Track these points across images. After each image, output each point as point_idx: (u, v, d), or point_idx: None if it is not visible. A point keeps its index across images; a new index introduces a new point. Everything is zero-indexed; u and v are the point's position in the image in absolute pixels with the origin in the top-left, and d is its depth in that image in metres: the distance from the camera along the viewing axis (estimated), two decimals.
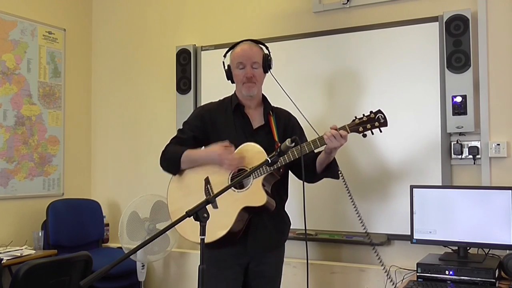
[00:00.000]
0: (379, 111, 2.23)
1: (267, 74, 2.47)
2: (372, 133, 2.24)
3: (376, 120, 2.22)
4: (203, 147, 2.48)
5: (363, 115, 2.24)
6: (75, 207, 3.97)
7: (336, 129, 2.20)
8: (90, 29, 4.47)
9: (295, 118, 2.57)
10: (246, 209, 2.26)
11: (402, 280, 2.82)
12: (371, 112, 2.24)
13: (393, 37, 3.14)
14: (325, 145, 2.24)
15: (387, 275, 2.96)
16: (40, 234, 3.64)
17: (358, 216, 3.05)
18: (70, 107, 4.28)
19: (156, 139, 3.91)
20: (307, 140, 2.35)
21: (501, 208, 2.56)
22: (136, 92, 4.20)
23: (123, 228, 3.49)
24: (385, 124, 2.22)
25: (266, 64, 2.43)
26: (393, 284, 2.88)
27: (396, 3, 3.21)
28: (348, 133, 2.22)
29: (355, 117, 2.26)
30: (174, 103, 3.84)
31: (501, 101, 2.91)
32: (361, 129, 2.22)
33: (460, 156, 2.95)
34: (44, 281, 2.69)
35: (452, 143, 2.96)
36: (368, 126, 2.22)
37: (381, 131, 2.24)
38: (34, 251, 3.49)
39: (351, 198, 3.02)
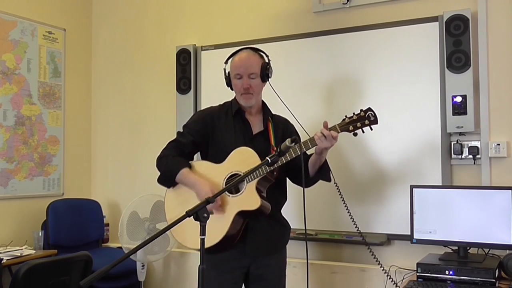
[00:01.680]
0: (369, 109, 2.21)
1: (266, 82, 2.45)
2: (363, 132, 2.22)
3: (366, 118, 2.19)
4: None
5: (353, 113, 2.22)
6: (75, 207, 3.97)
7: (326, 129, 2.19)
8: (90, 29, 4.47)
9: (293, 126, 2.56)
10: (241, 213, 2.25)
11: (402, 280, 2.82)
12: (361, 110, 2.22)
13: (393, 37, 3.14)
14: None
15: (387, 275, 2.96)
16: (40, 234, 3.64)
17: (350, 216, 3.05)
18: (70, 107, 4.28)
19: (156, 139, 3.91)
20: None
21: (501, 208, 2.56)
22: (136, 92, 4.20)
23: (123, 228, 3.49)
24: (375, 122, 2.20)
25: (264, 74, 2.40)
26: (394, 283, 2.87)
27: (396, 3, 3.21)
28: (339, 132, 2.21)
29: (346, 116, 2.24)
30: (174, 103, 3.84)
31: (501, 101, 2.91)
32: (351, 128, 2.20)
33: (460, 156, 2.95)
34: (44, 281, 2.69)
35: (452, 143, 2.96)
36: (358, 124, 2.20)
37: (371, 129, 2.22)
38: (34, 251, 3.49)
39: (342, 199, 3.02)
